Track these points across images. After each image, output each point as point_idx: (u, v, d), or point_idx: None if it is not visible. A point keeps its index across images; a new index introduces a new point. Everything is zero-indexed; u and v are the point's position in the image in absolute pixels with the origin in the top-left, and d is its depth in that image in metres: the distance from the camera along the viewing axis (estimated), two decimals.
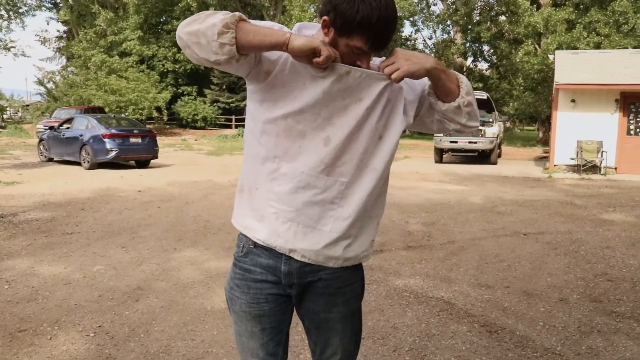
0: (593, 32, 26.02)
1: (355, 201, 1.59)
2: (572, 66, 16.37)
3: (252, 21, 1.49)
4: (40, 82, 40.50)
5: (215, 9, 1.87)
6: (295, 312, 1.79)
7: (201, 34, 1.43)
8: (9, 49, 39.72)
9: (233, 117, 35.62)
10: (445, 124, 1.68)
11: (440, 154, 18.29)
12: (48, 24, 77.42)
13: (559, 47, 23.73)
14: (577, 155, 15.04)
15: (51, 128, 16.73)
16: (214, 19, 1.42)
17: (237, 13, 1.45)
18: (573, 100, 15.41)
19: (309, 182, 1.55)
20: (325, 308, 1.71)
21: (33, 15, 59.35)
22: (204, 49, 1.44)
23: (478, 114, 1.68)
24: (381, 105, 1.58)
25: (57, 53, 45.43)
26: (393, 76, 1.50)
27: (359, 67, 1.54)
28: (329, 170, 1.56)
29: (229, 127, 35.35)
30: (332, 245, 1.60)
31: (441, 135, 17.87)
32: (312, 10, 30.98)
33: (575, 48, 23.54)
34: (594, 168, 14.90)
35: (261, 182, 1.61)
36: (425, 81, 1.64)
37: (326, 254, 1.60)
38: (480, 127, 17.65)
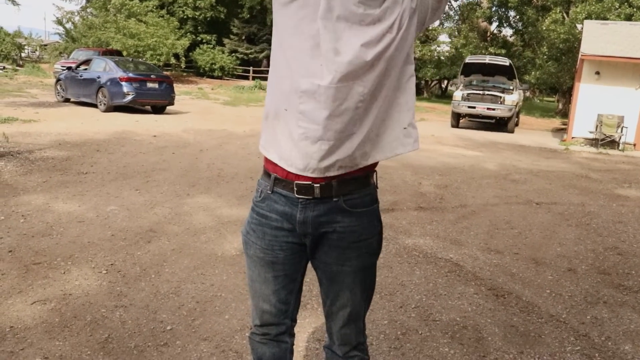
0: (625, 3, 25.22)
1: (379, 98, 1.54)
2: (599, 37, 15.95)
3: None
4: (59, 22, 40.22)
5: None
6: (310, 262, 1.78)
7: None
8: None
9: (251, 68, 35.33)
10: None
11: (457, 119, 18.08)
12: None
13: (588, 17, 23.08)
14: (596, 129, 14.81)
15: (69, 69, 16.68)
16: None
17: None
18: (597, 73, 15.08)
19: (330, 95, 1.48)
20: (338, 261, 1.69)
21: None
22: None
23: None
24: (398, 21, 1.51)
25: None
26: None
27: None
28: (345, 79, 1.48)
29: (247, 78, 35.10)
30: (365, 142, 1.55)
31: (459, 99, 17.66)
32: None
33: (605, 19, 22.89)
34: (612, 143, 14.69)
35: (289, 103, 1.54)
36: None
37: (361, 150, 1.56)
38: (500, 94, 17.41)
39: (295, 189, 1.61)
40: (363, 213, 1.67)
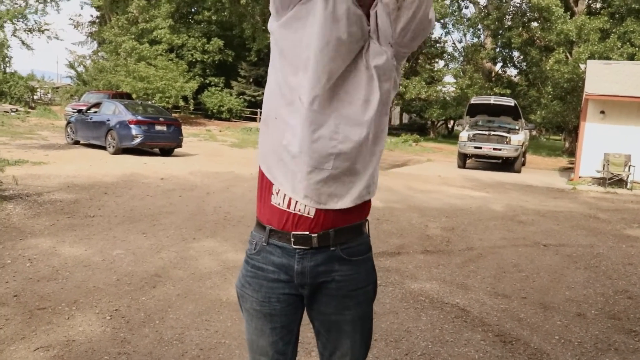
0: (627, 43, 25.54)
1: (355, 136, 1.54)
2: (603, 77, 16.10)
3: None
4: (71, 66, 41.11)
5: None
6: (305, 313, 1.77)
7: None
8: (42, 32, 40.35)
9: (258, 110, 35.72)
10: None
11: (463, 159, 18.14)
12: (82, 9, 78.97)
13: (591, 57, 23.36)
14: (603, 168, 14.79)
15: (79, 111, 16.97)
16: None
17: None
18: (602, 112, 15.16)
19: (308, 116, 1.51)
20: (337, 310, 1.69)
21: (68, 0, 60.17)
22: None
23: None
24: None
25: (89, 38, 46.04)
26: None
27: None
28: (324, 105, 1.51)
29: (254, 120, 35.49)
30: (334, 182, 1.55)
31: (465, 140, 17.74)
32: None
33: (608, 58, 23.14)
34: (620, 182, 14.64)
35: (280, 111, 1.57)
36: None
37: (328, 191, 1.56)
38: (506, 135, 17.49)
39: (292, 239, 1.61)
40: (360, 261, 1.69)
